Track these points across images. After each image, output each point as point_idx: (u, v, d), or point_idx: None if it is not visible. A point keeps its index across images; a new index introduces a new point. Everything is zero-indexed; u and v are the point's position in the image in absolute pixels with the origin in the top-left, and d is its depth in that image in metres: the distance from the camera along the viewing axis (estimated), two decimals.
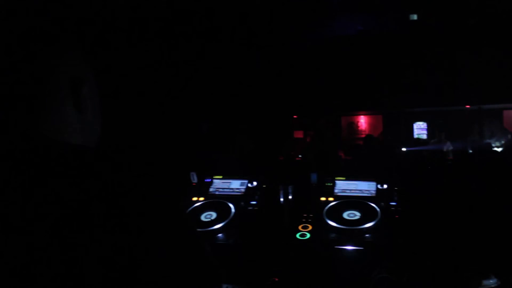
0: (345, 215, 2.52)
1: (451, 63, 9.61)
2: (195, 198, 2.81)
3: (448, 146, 9.41)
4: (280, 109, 9.81)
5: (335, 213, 2.53)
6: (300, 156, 8.65)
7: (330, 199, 2.66)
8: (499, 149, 9.40)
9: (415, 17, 9.62)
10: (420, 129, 12.22)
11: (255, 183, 2.79)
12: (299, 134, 11.52)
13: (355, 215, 2.51)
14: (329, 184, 2.76)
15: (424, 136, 11.99)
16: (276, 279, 2.48)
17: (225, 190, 2.85)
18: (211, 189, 2.88)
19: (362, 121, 12.45)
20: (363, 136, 12.55)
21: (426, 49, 9.72)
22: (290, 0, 8.03)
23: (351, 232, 2.42)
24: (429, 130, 12.05)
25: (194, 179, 2.90)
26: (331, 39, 10.02)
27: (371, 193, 2.68)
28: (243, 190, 2.82)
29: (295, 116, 11.59)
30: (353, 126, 12.45)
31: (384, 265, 2.33)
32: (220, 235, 2.56)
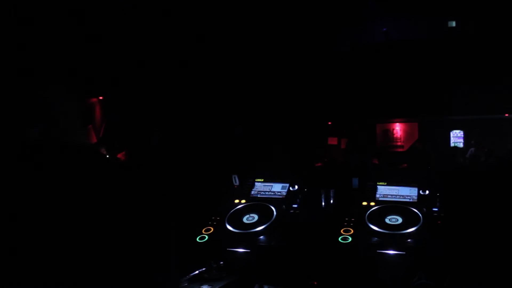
0: (387, 219, 2.53)
1: (490, 71, 9.48)
2: (237, 201, 2.85)
3: (486, 154, 9.29)
4: (314, 115, 9.82)
5: (377, 217, 2.55)
6: (333, 162, 8.65)
7: (372, 203, 2.67)
8: None
9: (453, 24, 9.53)
10: (456, 137, 12.07)
11: (296, 187, 2.82)
12: (333, 141, 11.50)
13: (397, 220, 2.52)
14: (370, 189, 2.77)
15: (461, 145, 11.83)
16: (315, 283, 2.50)
17: (266, 193, 2.89)
18: (252, 192, 2.92)
19: (398, 129, 12.35)
20: (399, 144, 12.47)
21: (463, 56, 9.61)
22: (326, 6, 8.05)
23: (393, 236, 2.43)
24: (466, 138, 11.90)
25: (236, 181, 2.94)
26: (367, 45, 10.00)
27: (412, 199, 2.68)
28: (284, 194, 2.85)
29: (329, 123, 11.58)
30: (388, 133, 12.36)
31: (425, 271, 2.33)
32: (261, 237, 2.59)
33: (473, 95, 9.89)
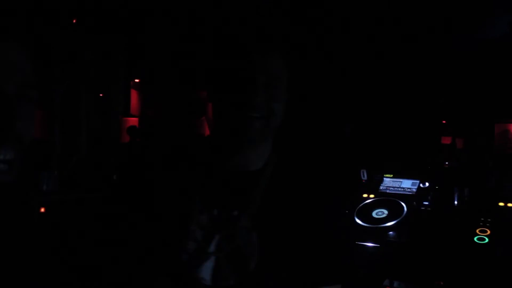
0: None
1: None
2: (365, 195, 2.85)
3: None
4: (428, 113, 9.51)
5: None
6: (447, 163, 8.32)
7: (509, 204, 2.57)
8: None
9: None
10: None
11: (427, 184, 2.77)
12: (447, 140, 11.06)
13: None
14: (508, 189, 2.66)
15: None
16: (442, 283, 2.45)
17: (395, 188, 2.86)
18: (381, 187, 2.90)
19: None
20: None
21: None
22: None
23: None
24: None
25: (364, 176, 2.94)
26: (487, 41, 9.55)
27: None
28: (414, 190, 2.81)
29: (443, 121, 11.17)
30: (508, 134, 11.72)
31: None
32: (391, 232, 2.58)
33: None
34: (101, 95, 6.19)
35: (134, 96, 7.55)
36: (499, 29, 9.35)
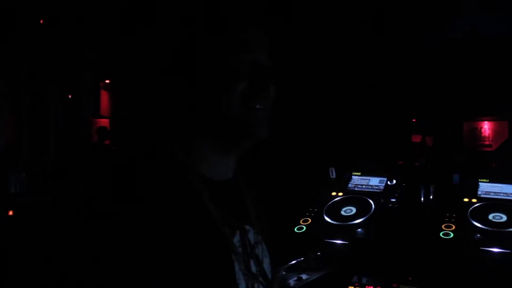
0: (491, 217, 2.47)
1: None
2: (334, 193, 2.87)
3: None
4: (399, 111, 9.63)
5: (480, 214, 2.50)
6: (416, 162, 8.44)
7: (474, 200, 2.62)
8: None
9: None
10: None
11: (394, 181, 2.81)
12: (417, 138, 11.24)
13: (502, 218, 2.46)
14: (471, 185, 2.72)
15: None
16: (410, 278, 2.48)
17: (363, 186, 2.90)
18: (349, 185, 2.93)
19: (486, 127, 11.90)
20: (487, 143, 12.02)
21: None
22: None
23: (498, 234, 2.38)
24: None
25: (333, 174, 2.97)
26: (454, 41, 9.70)
27: None
28: (382, 188, 2.85)
29: (414, 120, 11.32)
30: (476, 132, 11.95)
31: None
32: (359, 230, 2.61)
33: None
34: (69, 96, 6.14)
35: (104, 97, 7.48)
36: (465, 29, 9.50)
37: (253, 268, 1.09)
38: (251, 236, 1.12)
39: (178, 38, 1.09)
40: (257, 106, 1.06)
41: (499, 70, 9.81)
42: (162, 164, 1.03)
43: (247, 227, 1.12)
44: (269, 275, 1.16)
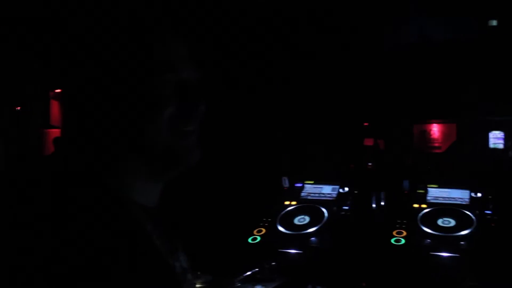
0: (440, 222, 2.53)
1: None
2: (287, 202, 2.88)
3: None
4: (351, 115, 9.75)
5: (430, 220, 2.55)
6: (370, 164, 8.57)
7: (423, 206, 2.68)
8: None
9: (494, 23, 9.39)
10: (496, 139, 11.87)
11: (346, 189, 2.84)
12: (369, 142, 11.40)
13: (450, 222, 2.52)
14: (421, 191, 2.78)
15: (501, 146, 11.64)
16: (364, 284, 2.52)
17: (316, 195, 2.92)
18: (302, 194, 2.95)
19: (435, 130, 12.20)
20: (436, 145, 12.33)
21: (504, 56, 9.45)
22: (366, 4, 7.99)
23: (446, 239, 2.44)
24: (506, 139, 11.70)
25: (286, 183, 2.98)
26: (404, 46, 9.91)
27: (464, 201, 2.68)
28: (334, 196, 2.87)
29: (365, 124, 11.51)
30: (425, 134, 12.23)
31: (476, 274, 2.33)
32: (313, 238, 2.63)
33: None
34: (18, 108, 5.97)
35: (55, 106, 7.31)
36: (413, 32, 9.72)
37: None
38: (183, 262, 1.06)
39: (95, 61, 0.95)
40: (188, 129, 0.98)
41: (447, 74, 10.09)
42: (95, 191, 0.91)
43: (179, 256, 1.05)
44: None
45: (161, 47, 0.96)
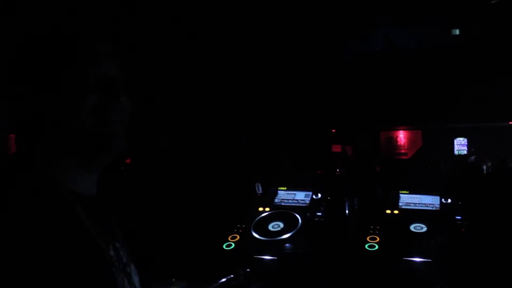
0: (412, 227, 2.57)
1: (494, 78, 9.55)
2: (261, 208, 2.89)
3: (485, 162, 9.27)
4: (318, 122, 9.85)
5: (402, 225, 2.59)
6: (338, 170, 8.66)
7: (395, 212, 2.71)
8: None
9: (457, 32, 9.58)
10: (460, 145, 12.10)
11: (319, 195, 2.86)
12: (337, 148, 11.53)
13: (422, 228, 2.56)
14: (393, 197, 2.82)
15: (465, 152, 11.87)
16: None
17: (290, 201, 2.93)
18: (276, 200, 2.96)
19: (401, 136, 12.39)
20: (402, 151, 12.51)
21: (467, 64, 9.67)
22: (329, 15, 8.09)
23: (419, 244, 2.47)
24: (469, 146, 11.94)
25: (259, 189, 2.98)
26: (370, 54, 10.05)
27: (435, 207, 2.73)
28: (308, 202, 2.89)
29: (333, 130, 11.61)
30: (392, 141, 12.41)
31: (448, 278, 2.37)
32: (287, 244, 2.63)
33: (477, 102, 9.94)
34: None
35: None
36: (379, 41, 9.86)
37: (126, 285, 1.07)
38: (122, 253, 1.10)
39: (23, 50, 1.06)
40: (111, 118, 1.05)
41: (413, 82, 10.27)
42: (27, 178, 0.99)
43: (117, 244, 1.09)
44: None
45: (86, 44, 1.06)
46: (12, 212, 0.90)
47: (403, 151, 12.54)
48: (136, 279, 1.15)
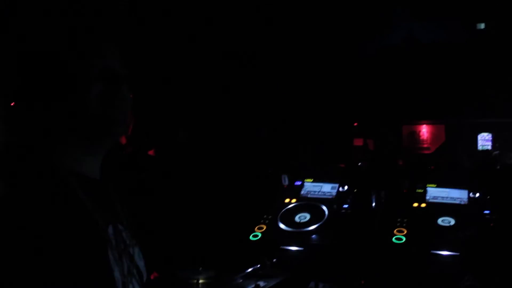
0: (440, 221, 2.56)
1: None
2: (287, 200, 2.90)
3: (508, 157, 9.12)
4: (340, 116, 9.79)
5: (429, 219, 2.58)
6: (360, 163, 8.59)
7: (422, 205, 2.71)
8: None
9: (482, 26, 9.46)
10: (484, 140, 11.96)
11: (346, 187, 2.86)
12: (358, 142, 11.45)
13: (450, 222, 2.55)
14: (420, 190, 2.81)
15: (489, 147, 11.73)
16: (363, 282, 2.54)
17: (316, 193, 2.94)
18: (302, 192, 2.97)
19: (424, 131, 12.26)
20: (425, 146, 12.40)
21: (492, 59, 9.54)
22: (355, 7, 8.03)
23: (446, 237, 2.46)
24: (494, 141, 11.79)
25: (286, 181, 2.99)
26: (393, 47, 9.96)
27: (463, 201, 2.71)
28: (334, 194, 2.89)
29: (355, 124, 11.55)
30: (415, 135, 12.28)
31: (475, 272, 2.36)
32: (314, 236, 2.64)
33: (502, 98, 9.80)
34: None
35: None
36: (400, 35, 9.76)
37: (126, 265, 1.10)
38: (125, 236, 1.14)
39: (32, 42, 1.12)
40: (114, 104, 1.12)
41: (436, 76, 10.16)
42: (28, 158, 1.05)
43: (120, 226, 1.13)
44: (144, 276, 1.19)
45: (93, 39, 1.14)
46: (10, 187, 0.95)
47: (425, 145, 12.42)
48: (141, 264, 1.18)
